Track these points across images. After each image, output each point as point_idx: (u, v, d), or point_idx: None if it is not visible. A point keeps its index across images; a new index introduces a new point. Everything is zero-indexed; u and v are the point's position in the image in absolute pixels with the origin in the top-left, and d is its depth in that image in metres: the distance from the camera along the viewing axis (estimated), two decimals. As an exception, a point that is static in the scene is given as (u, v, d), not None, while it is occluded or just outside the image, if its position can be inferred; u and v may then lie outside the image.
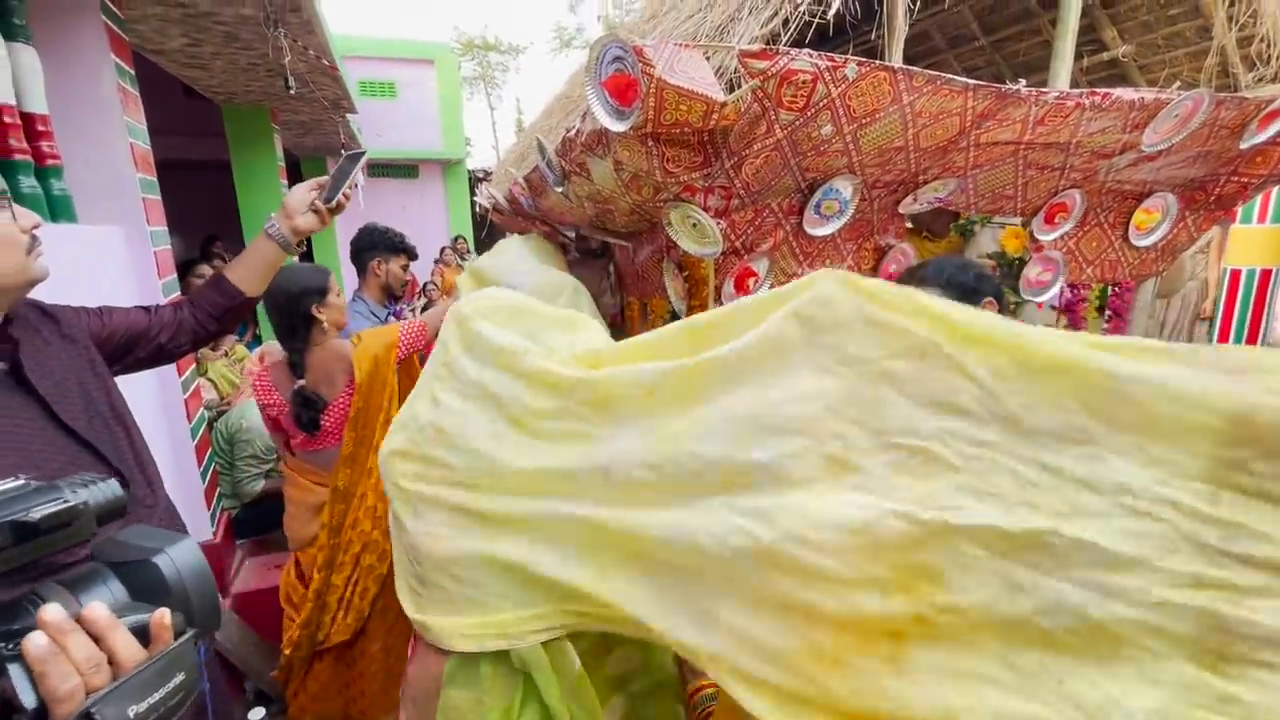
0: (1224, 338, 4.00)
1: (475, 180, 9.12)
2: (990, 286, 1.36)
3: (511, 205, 2.58)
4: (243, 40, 2.75)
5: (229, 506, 2.67)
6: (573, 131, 1.48)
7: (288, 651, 1.85)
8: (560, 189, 1.73)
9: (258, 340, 4.69)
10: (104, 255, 1.87)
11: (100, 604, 0.46)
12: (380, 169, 8.63)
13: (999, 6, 2.15)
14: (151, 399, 2.09)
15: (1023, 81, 1.37)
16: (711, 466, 0.65)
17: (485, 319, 1.03)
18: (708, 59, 1.19)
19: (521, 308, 1.07)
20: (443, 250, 8.08)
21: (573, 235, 3.24)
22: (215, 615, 0.52)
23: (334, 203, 1.45)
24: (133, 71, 2.10)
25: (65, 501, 0.49)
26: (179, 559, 0.51)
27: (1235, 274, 3.90)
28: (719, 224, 1.40)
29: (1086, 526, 0.57)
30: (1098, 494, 0.60)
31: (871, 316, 0.73)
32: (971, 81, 1.30)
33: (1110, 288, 2.12)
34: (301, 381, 1.81)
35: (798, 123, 1.27)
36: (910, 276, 1.39)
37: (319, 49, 2.81)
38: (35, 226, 1.00)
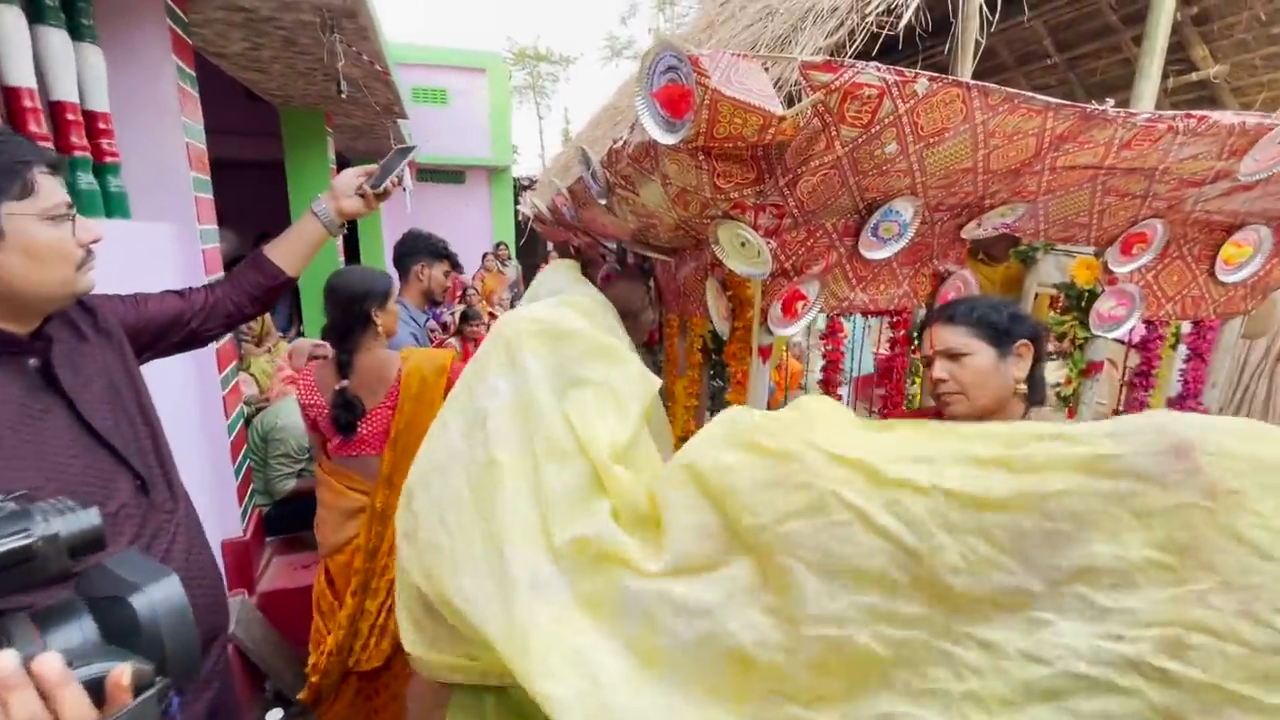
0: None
1: (520, 188, 9.22)
2: (1025, 329, 1.25)
3: (554, 215, 2.54)
4: (300, 45, 2.81)
5: (260, 503, 2.69)
6: (620, 143, 1.42)
7: (315, 679, 1.81)
8: (604, 201, 1.68)
9: (302, 335, 4.79)
10: (154, 251, 1.89)
11: (53, 656, 0.41)
12: (428, 174, 8.80)
13: (1076, 22, 2.02)
14: (190, 394, 2.11)
15: (1110, 101, 1.25)
16: None
17: (526, 346, 0.99)
18: (766, 70, 1.12)
19: (564, 332, 1.02)
20: (485, 256, 8.17)
21: (613, 248, 3.19)
22: (191, 664, 0.47)
23: (381, 189, 1.43)
24: (193, 73, 2.14)
25: (27, 535, 0.45)
26: (158, 599, 0.46)
27: (1323, 314, 3.61)
28: (769, 243, 1.32)
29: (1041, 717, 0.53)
30: (1046, 666, 0.53)
31: (759, 475, 0.72)
32: (1053, 101, 1.20)
33: (1184, 325, 1.96)
34: (345, 383, 1.79)
35: (860, 140, 1.18)
36: (939, 314, 1.29)
37: (373, 54, 2.85)
38: (94, 241, 0.97)
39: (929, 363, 1.29)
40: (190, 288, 1.30)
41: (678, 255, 1.92)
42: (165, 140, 1.96)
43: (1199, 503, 0.54)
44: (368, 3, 2.39)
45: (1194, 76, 1.91)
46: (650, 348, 2.63)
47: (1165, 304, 1.89)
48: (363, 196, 1.42)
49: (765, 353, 1.53)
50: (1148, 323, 1.93)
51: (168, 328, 1.24)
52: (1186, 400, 2.01)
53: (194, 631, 0.47)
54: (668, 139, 1.16)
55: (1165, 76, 1.97)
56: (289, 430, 2.62)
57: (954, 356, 1.24)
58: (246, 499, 2.44)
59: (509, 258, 8.33)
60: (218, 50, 2.93)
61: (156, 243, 1.92)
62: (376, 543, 1.76)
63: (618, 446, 0.98)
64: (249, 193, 6.64)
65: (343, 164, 6.69)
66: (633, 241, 1.96)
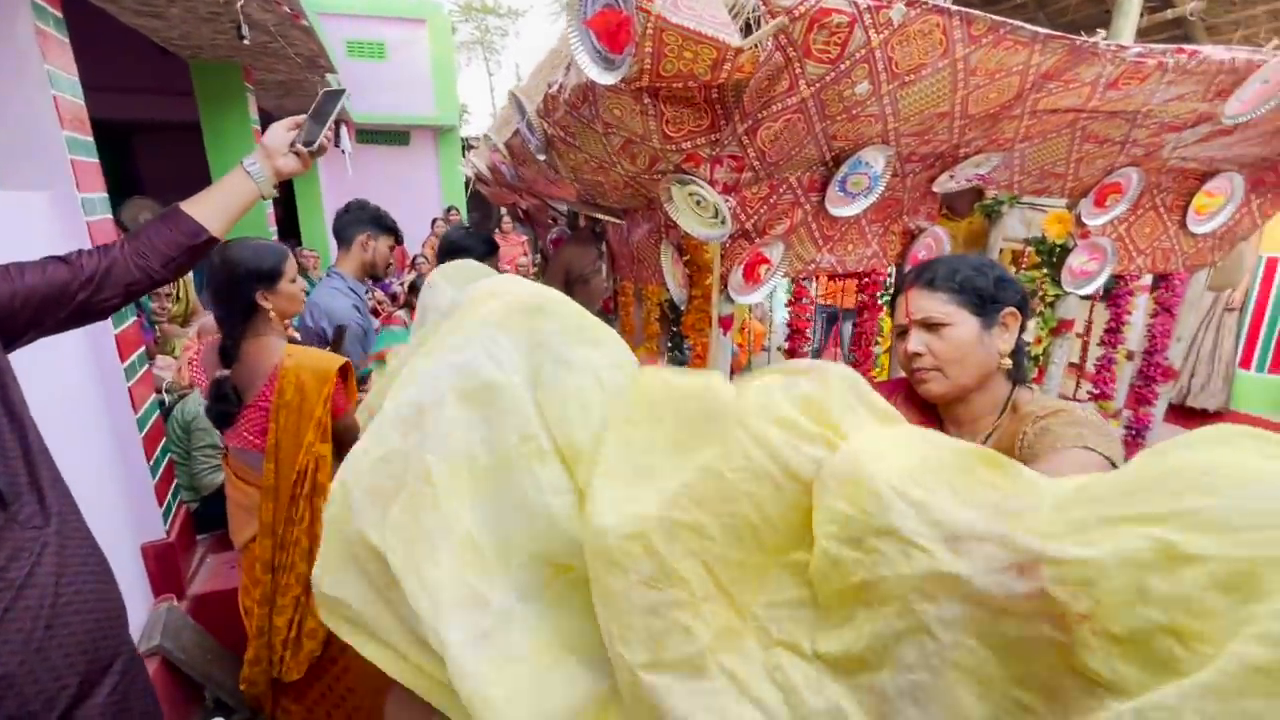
0: (1254, 331, 3.79)
1: (468, 148, 8.76)
2: (1012, 294, 1.09)
3: (494, 175, 2.33)
4: (197, -16, 2.48)
5: (188, 500, 2.48)
6: (555, 87, 1.23)
7: (244, 688, 1.66)
8: (543, 157, 1.49)
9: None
10: (22, 226, 1.63)
11: None
12: (369, 135, 8.27)
13: (1048, -44, 1.88)
14: (88, 388, 1.88)
15: (1102, 33, 1.13)
16: None
17: (493, 321, 0.80)
18: (720, -5, 0.95)
19: (541, 307, 0.83)
20: (434, 222, 7.79)
21: (564, 210, 2.99)
22: None
23: (316, 145, 1.27)
24: (58, 14, 1.83)
25: None
26: None
27: (1272, 262, 3.67)
28: (728, 201, 1.17)
29: None
30: None
31: (637, 598, 0.59)
32: (1042, 31, 1.07)
33: (1158, 280, 1.91)
34: (226, 372, 1.59)
35: (828, 78, 1.03)
36: (916, 276, 1.14)
37: (286, 2, 2.54)
38: None
39: (903, 333, 1.15)
40: (81, 251, 1.08)
41: (629, 217, 1.75)
42: (25, 95, 1.67)
43: (1050, 635, 0.43)
44: (268, -68, 2.09)
45: (1169, 14, 1.81)
46: (605, 317, 2.48)
47: (1136, 257, 1.82)
48: (297, 154, 1.26)
49: (726, 323, 1.39)
50: (1117, 278, 1.86)
51: (50, 302, 1.03)
52: (1153, 355, 1.97)
53: None
54: (606, 78, 0.98)
55: (1140, 14, 1.86)
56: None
57: (932, 327, 1.09)
58: (169, 497, 2.23)
59: (461, 223, 7.96)
60: (100, -9, 2.57)
61: (25, 216, 1.65)
62: (271, 557, 1.58)
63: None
64: (168, 158, 6.11)
65: (269, 124, 6.19)
66: (579, 202, 1.78)
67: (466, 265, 1.07)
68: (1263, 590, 0.37)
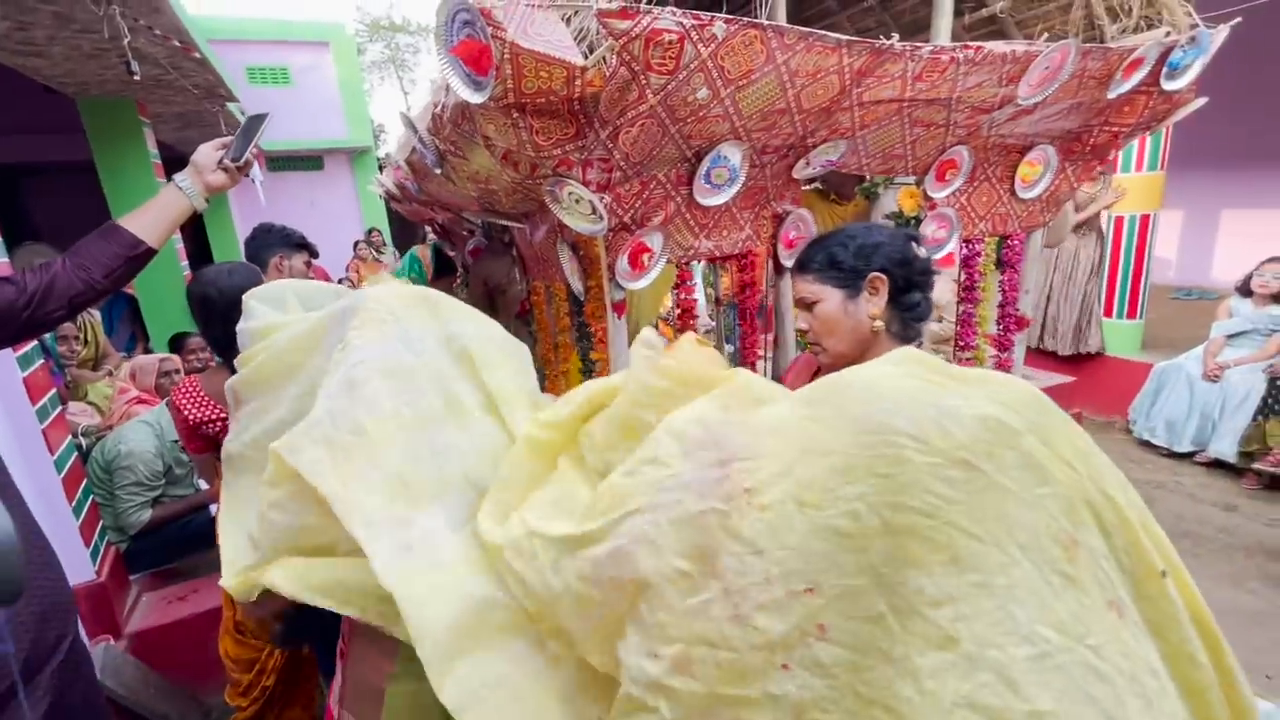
0: (1112, 281, 4.27)
1: (383, 168, 8.67)
2: (878, 260, 1.13)
3: (402, 193, 2.42)
4: (80, 21, 2.44)
5: (117, 540, 2.44)
6: (439, 107, 1.37)
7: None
8: (439, 170, 1.62)
9: (150, 353, 4.31)
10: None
11: None
12: (282, 162, 8.07)
13: (882, -36, 2.15)
14: (-1, 431, 1.86)
15: (895, 36, 1.35)
16: None
17: (404, 316, 0.93)
18: (567, 22, 1.10)
19: (428, 296, 0.99)
20: (356, 244, 7.67)
21: (479, 222, 3.10)
22: (11, 582, 0.44)
23: (243, 160, 1.38)
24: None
25: None
26: None
27: (1119, 220, 4.15)
28: (603, 198, 1.33)
29: None
30: (620, 686, 0.62)
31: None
32: (844, 37, 1.27)
33: (1003, 241, 2.19)
34: None
35: (670, 86, 1.20)
36: (795, 262, 1.23)
37: (169, 29, 2.53)
38: None
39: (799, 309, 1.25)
40: (25, 270, 1.15)
41: (530, 221, 1.89)
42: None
43: (715, 507, 0.57)
44: (149, -31, 2.11)
45: (984, 12, 2.10)
46: (523, 319, 2.60)
47: (979, 223, 2.09)
48: (225, 170, 1.36)
49: (620, 308, 1.55)
50: (966, 241, 2.13)
51: (1, 321, 1.10)
52: (1006, 308, 2.26)
53: (12, 547, 0.43)
54: (476, 97, 1.12)
55: (960, 14, 2.14)
56: (137, 456, 2.37)
57: (808, 305, 1.18)
58: (95, 538, 2.21)
59: (384, 244, 7.87)
60: (-28, 33, 2.50)
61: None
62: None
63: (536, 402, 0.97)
64: (63, 200, 5.81)
65: (175, 157, 5.98)
66: (481, 211, 1.91)
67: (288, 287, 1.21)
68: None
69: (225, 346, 1.66)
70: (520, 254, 2.24)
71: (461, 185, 1.68)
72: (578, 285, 1.65)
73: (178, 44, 2.62)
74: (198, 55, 2.82)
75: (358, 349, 0.89)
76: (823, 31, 1.24)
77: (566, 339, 2.07)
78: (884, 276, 1.13)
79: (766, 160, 1.63)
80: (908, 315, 1.15)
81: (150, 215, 1.29)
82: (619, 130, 1.25)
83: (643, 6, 1.09)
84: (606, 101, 1.18)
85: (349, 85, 8.00)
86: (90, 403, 3.37)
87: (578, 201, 1.36)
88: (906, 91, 1.51)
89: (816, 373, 1.34)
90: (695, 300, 1.70)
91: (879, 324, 1.14)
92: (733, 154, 1.50)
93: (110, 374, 3.58)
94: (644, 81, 1.18)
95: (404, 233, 9.06)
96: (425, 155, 1.64)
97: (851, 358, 1.14)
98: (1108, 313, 4.29)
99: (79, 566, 2.10)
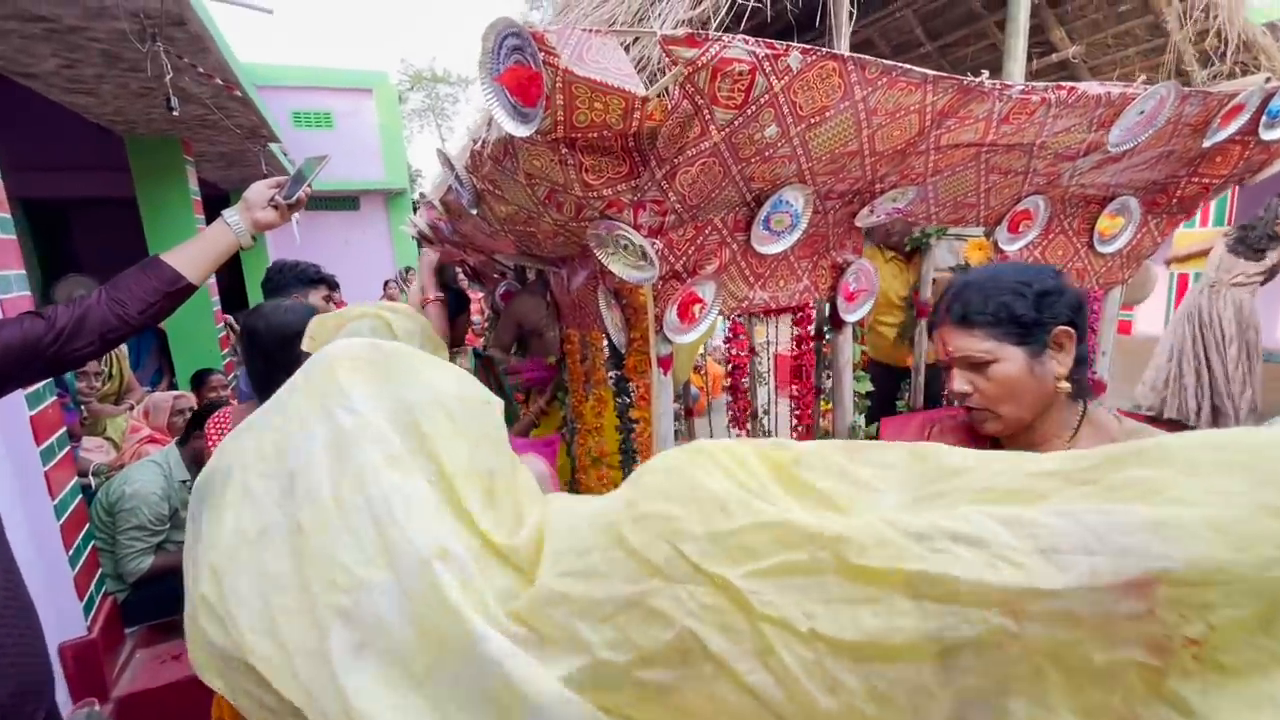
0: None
1: (417, 210, 8.81)
2: (1062, 308, 0.97)
3: (435, 234, 2.34)
4: (127, 60, 2.47)
5: (115, 590, 2.30)
6: (479, 143, 1.26)
7: None
8: (475, 211, 1.51)
9: (174, 389, 4.27)
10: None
11: None
12: (320, 202, 8.26)
13: (943, 10, 2.05)
14: (-2, 474, 1.75)
15: (985, 73, 1.22)
16: None
17: (347, 384, 0.81)
18: (626, 49, 0.99)
19: (386, 359, 0.85)
20: (386, 284, 7.74)
21: (511, 265, 3.01)
22: None
23: (294, 199, 1.36)
24: (-27, 92, 1.80)
25: None
26: None
27: (1183, 279, 3.93)
28: (654, 244, 1.20)
29: None
30: None
31: (619, 588, 0.61)
32: (931, 73, 1.14)
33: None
34: None
35: (737, 123, 1.08)
36: (947, 309, 1.05)
37: (214, 68, 2.55)
38: None
39: (948, 367, 1.07)
40: (58, 305, 1.11)
41: (567, 265, 1.77)
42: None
43: (1142, 661, 0.40)
44: (197, 8, 2.11)
45: (1054, 57, 1.98)
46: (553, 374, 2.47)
47: (1054, 279, 1.91)
48: (275, 208, 1.34)
49: (665, 363, 1.40)
50: (1040, 298, 1.95)
51: (25, 357, 1.05)
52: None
53: None
54: (522, 130, 1.01)
55: (1029, 59, 2.03)
56: (141, 498, 2.26)
57: (975, 365, 1.00)
58: (92, 589, 2.07)
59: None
60: (25, 70, 2.53)
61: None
62: None
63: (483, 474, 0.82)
64: (105, 235, 5.95)
65: (218, 195, 6.12)
66: (518, 254, 1.79)
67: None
68: None
69: (263, 385, 1.57)
70: (554, 300, 2.12)
71: (498, 227, 1.57)
72: (619, 337, 1.51)
73: (220, 83, 2.63)
74: (240, 94, 2.84)
75: (298, 427, 0.78)
76: (908, 65, 1.11)
77: (602, 393, 1.92)
78: (1071, 330, 0.98)
79: (830, 206, 1.50)
80: (1078, 368, 1.01)
81: (193, 250, 1.25)
82: (676, 170, 1.12)
83: (711, 34, 0.97)
84: (666, 138, 1.05)
85: (389, 130, 8.23)
86: (108, 438, 3.30)
87: (626, 247, 1.23)
88: (988, 135, 1.37)
89: (970, 434, 1.14)
90: (748, 357, 1.54)
91: (1066, 385, 0.99)
92: (796, 198, 1.36)
93: (131, 408, 3.53)
94: (708, 116, 1.05)
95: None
96: (461, 195, 1.54)
97: (1029, 423, 1.01)
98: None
99: (70, 621, 1.95)
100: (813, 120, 1.15)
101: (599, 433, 1.91)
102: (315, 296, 2.27)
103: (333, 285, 2.29)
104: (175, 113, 2.39)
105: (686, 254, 1.32)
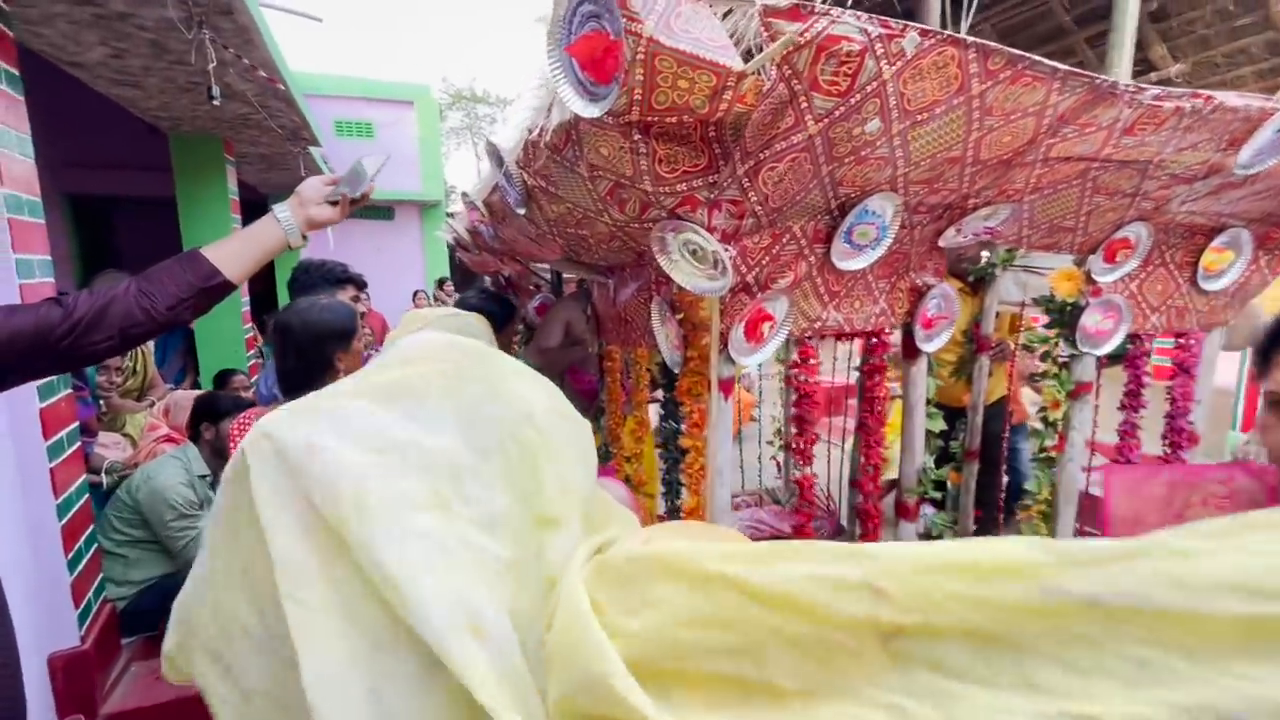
0: (1252, 397, 3.73)
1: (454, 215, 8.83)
2: None
3: (474, 239, 2.23)
4: (174, 52, 2.43)
5: (117, 596, 2.18)
6: (535, 132, 1.13)
7: None
8: (522, 211, 1.38)
9: (198, 387, 4.22)
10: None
11: None
12: (355, 210, 8.33)
13: (1027, 24, 1.91)
14: None
15: (1117, 71, 1.06)
16: None
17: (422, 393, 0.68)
18: (720, 19, 0.86)
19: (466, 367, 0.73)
20: (416, 294, 7.72)
21: (547, 277, 2.89)
22: None
23: (360, 193, 1.23)
24: (12, 69, 1.74)
25: None
26: None
27: None
28: (728, 251, 1.05)
29: None
30: None
31: None
32: (1062, 67, 0.99)
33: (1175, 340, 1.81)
34: None
35: (837, 113, 0.93)
36: None
37: (259, 62, 2.51)
38: None
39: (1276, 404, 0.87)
40: (80, 292, 1.00)
41: (616, 275, 1.63)
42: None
43: None
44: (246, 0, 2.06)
45: (1154, 76, 1.82)
46: (588, 395, 2.32)
47: (1150, 316, 1.73)
48: (333, 204, 1.19)
49: (727, 387, 1.24)
50: (1132, 337, 1.76)
51: (35, 346, 0.93)
52: (1175, 419, 1.85)
53: None
54: (591, 110, 0.87)
55: (1130, 78, 1.86)
56: (170, 489, 2.20)
57: None
58: (90, 596, 1.95)
59: (452, 293, 7.88)
60: (72, 58, 2.51)
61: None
62: None
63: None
64: (145, 233, 6.02)
65: (256, 200, 6.18)
66: (563, 261, 1.66)
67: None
68: None
69: (293, 385, 1.47)
70: (595, 312, 1.98)
71: (545, 229, 1.44)
72: (673, 356, 1.35)
73: (264, 75, 2.59)
74: (283, 88, 2.80)
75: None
76: (1038, 58, 0.96)
77: (643, 416, 1.77)
78: None
79: (916, 221, 1.34)
80: None
81: (236, 246, 1.12)
82: (761, 166, 0.98)
83: (819, 6, 0.83)
84: (755, 127, 0.91)
85: (427, 143, 8.29)
86: (127, 434, 3.23)
87: (694, 253, 1.08)
88: (1105, 148, 1.21)
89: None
90: (818, 386, 1.38)
91: None
92: (884, 209, 1.21)
93: (153, 405, 3.46)
94: (805, 104, 0.91)
95: (465, 285, 9.14)
96: (508, 194, 1.42)
97: None
98: (1244, 427, 3.74)
99: (63, 630, 1.83)
100: (919, 117, 1.00)
101: (637, 460, 1.76)
102: (343, 296, 2.16)
103: (360, 285, 2.19)
104: (216, 102, 2.34)
105: (760, 264, 1.17)
